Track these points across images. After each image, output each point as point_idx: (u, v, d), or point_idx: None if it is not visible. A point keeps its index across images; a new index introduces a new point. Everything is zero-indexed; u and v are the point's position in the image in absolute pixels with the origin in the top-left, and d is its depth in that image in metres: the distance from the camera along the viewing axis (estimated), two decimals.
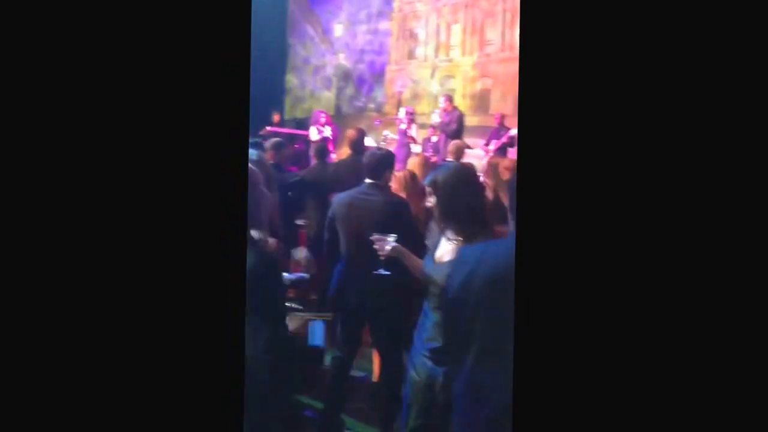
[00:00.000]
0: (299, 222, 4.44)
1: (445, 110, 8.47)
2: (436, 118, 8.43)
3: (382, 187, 3.48)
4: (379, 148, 3.94)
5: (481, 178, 5.08)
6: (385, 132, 8.59)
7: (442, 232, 2.54)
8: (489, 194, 3.32)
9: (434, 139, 8.43)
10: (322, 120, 8.57)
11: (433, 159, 7.35)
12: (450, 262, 2.36)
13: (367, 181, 3.48)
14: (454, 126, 8.20)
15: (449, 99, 8.73)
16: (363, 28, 11.36)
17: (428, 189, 2.57)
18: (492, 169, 5.57)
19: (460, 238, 2.42)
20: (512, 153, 7.73)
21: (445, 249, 2.47)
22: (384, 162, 3.55)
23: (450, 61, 10.63)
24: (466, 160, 6.63)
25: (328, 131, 8.45)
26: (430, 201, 2.55)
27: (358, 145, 5.09)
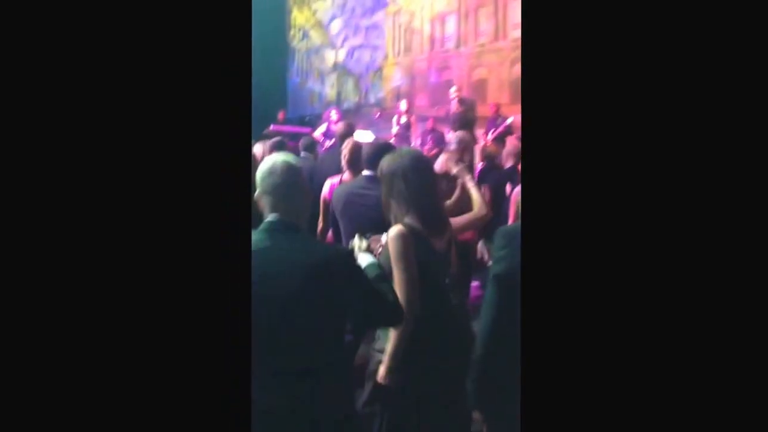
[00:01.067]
0: None
1: (458, 99, 8.41)
2: (453, 107, 8.37)
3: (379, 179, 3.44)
4: (377, 139, 3.89)
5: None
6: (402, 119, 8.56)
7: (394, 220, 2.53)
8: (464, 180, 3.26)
9: (440, 131, 8.42)
10: (334, 117, 8.55)
11: (434, 152, 7.35)
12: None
13: (365, 173, 3.41)
14: (466, 115, 8.18)
15: (460, 88, 8.69)
16: (360, 22, 11.35)
17: (379, 177, 2.61)
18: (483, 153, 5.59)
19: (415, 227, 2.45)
20: (510, 140, 7.73)
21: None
22: (382, 152, 3.45)
23: (447, 51, 10.61)
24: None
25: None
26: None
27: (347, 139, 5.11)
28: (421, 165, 2.59)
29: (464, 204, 3.17)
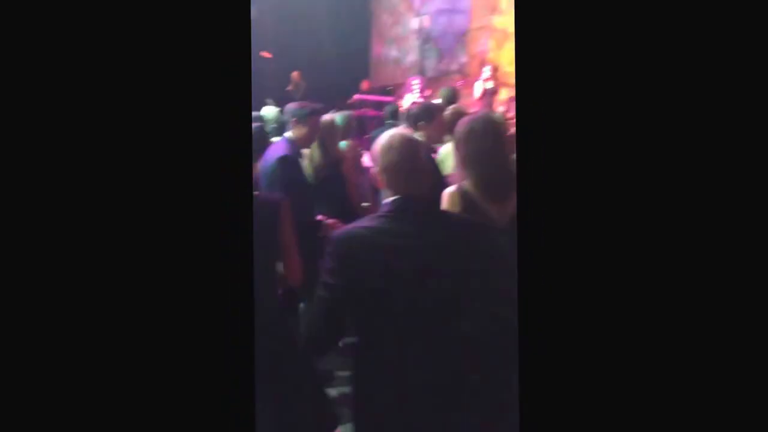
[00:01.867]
0: None
1: None
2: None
3: None
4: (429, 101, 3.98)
5: None
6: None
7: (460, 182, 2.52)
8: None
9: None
10: (417, 86, 8.49)
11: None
12: None
13: None
14: None
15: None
16: None
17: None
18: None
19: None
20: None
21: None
22: (421, 113, 3.53)
23: None
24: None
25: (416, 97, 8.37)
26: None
27: (450, 104, 5.08)
28: (487, 128, 2.49)
29: None
